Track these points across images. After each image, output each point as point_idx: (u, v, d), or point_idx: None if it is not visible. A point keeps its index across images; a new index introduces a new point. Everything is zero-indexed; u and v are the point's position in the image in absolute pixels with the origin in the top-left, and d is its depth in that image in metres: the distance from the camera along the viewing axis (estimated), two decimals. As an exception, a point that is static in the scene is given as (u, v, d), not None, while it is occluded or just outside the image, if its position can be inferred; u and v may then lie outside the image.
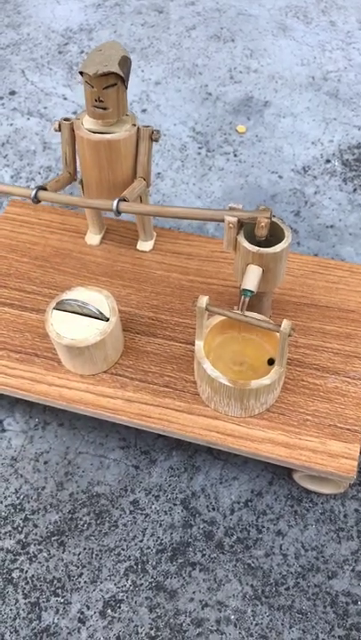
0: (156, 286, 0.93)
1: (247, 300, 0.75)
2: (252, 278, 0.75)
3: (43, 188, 0.79)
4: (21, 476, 0.88)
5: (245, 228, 0.75)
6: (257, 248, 0.74)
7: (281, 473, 0.87)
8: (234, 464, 0.88)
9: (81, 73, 0.75)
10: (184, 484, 0.87)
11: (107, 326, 0.80)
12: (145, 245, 0.98)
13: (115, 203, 0.76)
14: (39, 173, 1.24)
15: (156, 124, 1.31)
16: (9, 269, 0.96)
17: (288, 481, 0.87)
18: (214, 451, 0.90)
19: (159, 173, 1.23)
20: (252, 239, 0.75)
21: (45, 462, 0.89)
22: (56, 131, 0.83)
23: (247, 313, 0.76)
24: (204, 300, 0.72)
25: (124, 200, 0.77)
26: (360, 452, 0.78)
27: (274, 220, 0.76)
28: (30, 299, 0.93)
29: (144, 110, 1.34)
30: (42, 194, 0.78)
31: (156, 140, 0.82)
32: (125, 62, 0.76)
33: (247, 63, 1.43)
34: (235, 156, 1.25)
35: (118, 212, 0.77)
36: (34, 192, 0.78)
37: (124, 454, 0.90)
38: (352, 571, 0.80)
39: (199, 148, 1.27)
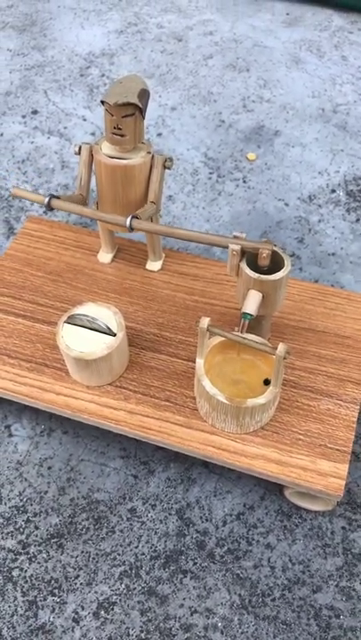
0: (162, 305, 0.98)
1: (247, 322, 0.80)
2: (252, 303, 0.80)
3: (56, 197, 0.84)
4: (26, 479, 0.93)
5: (248, 254, 0.80)
6: (258, 275, 0.79)
7: (273, 489, 0.91)
8: (228, 478, 0.93)
9: (102, 102, 0.80)
10: (180, 494, 0.91)
11: (114, 341, 0.85)
12: (154, 265, 1.03)
13: (128, 219, 0.81)
14: (56, 191, 1.30)
15: (170, 148, 1.37)
16: (24, 282, 1.01)
17: (279, 497, 0.91)
18: (210, 465, 0.94)
19: (170, 196, 1.28)
20: (254, 265, 0.80)
21: (49, 467, 0.94)
22: (76, 154, 0.89)
23: (246, 335, 0.80)
24: (205, 322, 0.77)
25: (137, 217, 0.83)
26: (348, 472, 0.83)
27: (275, 249, 0.81)
28: (42, 311, 0.98)
29: (159, 134, 1.40)
30: (55, 202, 0.84)
31: (169, 168, 0.88)
32: (144, 94, 0.82)
33: (260, 93, 1.49)
34: (244, 182, 1.31)
35: (131, 228, 0.82)
36: (47, 199, 0.83)
37: (124, 463, 0.94)
38: (336, 586, 0.84)
39: (210, 173, 1.32)
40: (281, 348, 0.74)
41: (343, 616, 0.81)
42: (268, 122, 1.43)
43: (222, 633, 0.80)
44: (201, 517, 0.89)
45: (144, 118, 0.83)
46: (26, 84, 1.53)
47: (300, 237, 1.21)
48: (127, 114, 0.80)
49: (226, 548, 0.87)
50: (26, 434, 0.97)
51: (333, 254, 1.19)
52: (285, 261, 0.80)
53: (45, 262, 1.04)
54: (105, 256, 1.04)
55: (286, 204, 1.26)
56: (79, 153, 0.88)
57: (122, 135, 0.82)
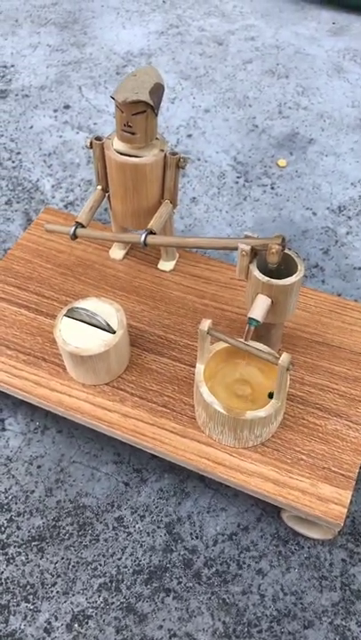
0: (170, 306, 0.94)
1: (252, 329, 0.75)
2: (259, 308, 0.75)
3: (80, 224, 0.86)
4: (13, 476, 0.89)
5: (260, 257, 0.75)
6: (267, 278, 0.73)
7: (271, 511, 0.85)
8: (224, 495, 0.87)
9: (112, 98, 0.77)
10: (171, 507, 0.86)
11: (112, 339, 0.81)
12: (166, 265, 0.98)
13: (143, 237, 0.80)
14: (79, 186, 1.27)
15: (199, 150, 1.33)
16: (32, 273, 0.98)
17: (277, 520, 0.84)
18: (206, 479, 0.88)
19: (194, 198, 1.24)
20: (266, 269, 0.75)
21: (39, 466, 0.90)
22: (88, 148, 0.85)
23: (250, 342, 0.75)
24: (206, 324, 0.72)
25: (152, 233, 0.81)
26: (351, 499, 0.76)
27: (289, 252, 0.75)
28: (47, 304, 0.94)
29: (189, 135, 1.37)
30: (80, 231, 0.85)
31: (183, 168, 0.83)
32: (157, 90, 0.77)
33: (298, 100, 1.44)
34: (272, 188, 1.25)
35: (145, 245, 0.79)
36: (72, 229, 0.85)
37: (116, 469, 0.89)
38: (330, 623, 0.77)
39: (237, 177, 1.28)
40: (284, 357, 0.68)
41: (335, 657, 0.74)
42: (303, 129, 1.37)
43: (201, 661, 0.74)
44: (191, 534, 0.84)
45: (156, 115, 0.79)
46: (61, 79, 1.52)
47: (326, 249, 1.15)
48: (137, 111, 0.76)
49: (214, 569, 0.81)
50: (19, 429, 0.94)
51: (360, 268, 1.12)
52: (298, 266, 0.75)
53: (56, 255, 1.01)
54: (117, 252, 1.00)
55: (314, 214, 1.21)
56: (90, 147, 0.85)
57: (132, 133, 0.78)
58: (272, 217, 1.20)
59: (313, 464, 0.78)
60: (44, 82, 1.51)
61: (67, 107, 1.45)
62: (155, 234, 0.82)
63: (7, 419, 0.95)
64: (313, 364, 0.87)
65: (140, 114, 0.76)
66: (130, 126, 0.77)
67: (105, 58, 1.58)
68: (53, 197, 1.25)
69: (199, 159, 1.32)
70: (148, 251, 1.01)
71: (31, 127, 1.40)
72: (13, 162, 1.33)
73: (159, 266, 0.99)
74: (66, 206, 1.24)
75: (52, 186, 1.27)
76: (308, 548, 0.82)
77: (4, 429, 0.94)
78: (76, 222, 0.86)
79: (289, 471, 0.77)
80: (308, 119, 1.40)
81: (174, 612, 0.78)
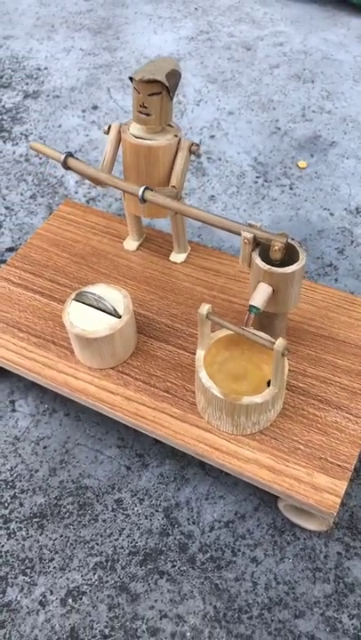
0: (178, 296, 0.95)
1: (252, 316, 0.76)
2: (260, 295, 0.76)
3: (74, 156, 0.84)
4: (20, 455, 0.92)
5: (263, 247, 0.76)
6: (268, 266, 0.74)
7: (269, 501, 0.85)
8: (223, 483, 0.88)
9: (130, 79, 0.80)
10: (170, 492, 0.87)
11: (117, 323, 0.83)
12: (178, 257, 1.00)
13: (141, 189, 0.80)
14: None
15: (221, 150, 1.35)
16: (48, 261, 1.02)
17: (274, 510, 0.84)
18: (207, 466, 0.89)
19: (213, 196, 1.26)
20: (269, 259, 0.76)
21: (45, 447, 0.92)
22: (105, 133, 0.88)
23: (247, 328, 0.76)
24: (205, 308, 0.73)
25: (151, 190, 0.80)
26: (348, 490, 0.76)
27: (292, 243, 0.76)
28: (60, 290, 0.97)
29: (212, 136, 1.39)
30: (71, 160, 0.84)
31: (195, 153, 0.86)
32: (174, 75, 0.80)
33: (322, 104, 1.45)
34: (290, 189, 1.26)
35: (143, 200, 0.80)
36: (63, 156, 0.83)
37: (119, 453, 0.91)
38: (321, 614, 0.76)
39: (257, 177, 1.29)
40: (279, 342, 0.69)
41: (324, 648, 0.74)
42: (325, 132, 1.38)
43: (189, 643, 0.75)
44: (188, 519, 0.84)
45: (172, 99, 0.81)
46: (91, 81, 1.56)
47: (341, 248, 1.15)
48: (153, 92, 0.79)
49: (209, 554, 0.81)
50: (28, 411, 0.96)
51: (374, 269, 1.12)
52: (300, 255, 0.76)
53: (72, 244, 1.04)
54: (131, 243, 1.02)
55: (331, 214, 1.21)
56: (108, 132, 0.88)
57: (147, 114, 0.81)
58: (289, 216, 1.21)
59: (310, 454, 0.78)
60: (75, 83, 1.56)
61: (95, 107, 1.49)
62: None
63: (18, 400, 0.98)
64: (317, 357, 0.87)
65: (155, 95, 0.79)
66: (145, 107, 0.80)
67: (135, 61, 1.62)
68: (76, 192, 1.29)
69: (220, 159, 1.34)
70: (161, 243, 1.03)
71: (60, 126, 1.45)
72: (40, 158, 1.37)
73: (171, 257, 1.01)
74: (87, 201, 1.27)
75: (76, 182, 1.31)
76: (305, 539, 0.82)
77: (14, 410, 0.97)
78: (68, 153, 0.85)
79: (286, 460, 0.78)
80: (332, 122, 1.40)
81: (166, 593, 0.79)
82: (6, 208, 1.27)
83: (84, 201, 1.27)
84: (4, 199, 1.28)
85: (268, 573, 0.80)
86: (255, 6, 1.79)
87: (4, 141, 1.41)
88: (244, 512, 0.85)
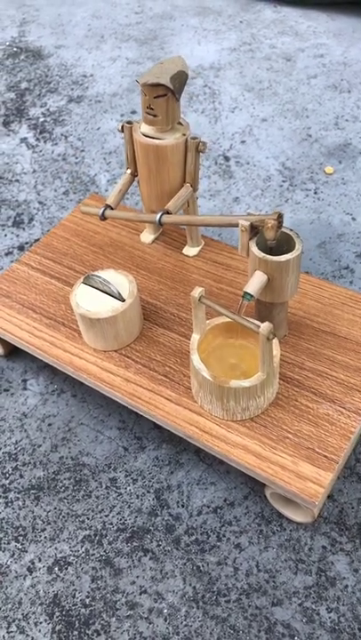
0: (187, 287, 0.98)
1: (245, 303, 0.78)
2: (254, 283, 0.77)
3: (109, 207, 0.93)
4: (25, 430, 0.96)
5: (261, 236, 0.78)
6: (263, 254, 0.76)
7: (259, 490, 0.86)
8: (216, 470, 0.89)
9: (137, 82, 0.83)
10: (163, 475, 0.89)
11: (120, 306, 0.86)
12: (191, 251, 1.03)
13: (158, 216, 0.86)
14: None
15: (250, 155, 1.38)
16: (67, 250, 1.06)
17: (263, 500, 0.85)
18: (201, 453, 0.90)
19: (237, 198, 1.28)
20: (268, 249, 0.77)
21: (49, 424, 0.96)
22: (119, 132, 0.92)
23: (234, 312, 0.77)
24: (197, 291, 0.75)
25: (167, 213, 0.86)
26: (340, 487, 0.75)
27: (289, 233, 0.78)
28: (76, 277, 1.02)
29: (243, 141, 1.42)
30: (108, 212, 0.93)
31: (202, 152, 0.88)
32: (180, 77, 0.83)
33: (356, 113, 1.46)
34: (315, 193, 1.27)
35: (160, 224, 0.85)
36: (101, 210, 0.92)
37: (119, 434, 0.94)
38: (300, 605, 0.76)
39: (283, 181, 1.31)
40: (265, 325, 0.71)
41: (298, 638, 0.73)
42: (356, 140, 1.38)
43: (165, 620, 0.76)
44: (178, 502, 0.86)
45: (178, 100, 0.84)
46: (133, 87, 1.62)
47: (360, 252, 1.15)
48: (159, 94, 0.82)
49: (194, 537, 0.82)
50: (38, 390, 1.01)
51: (392, 274, 1.11)
52: (296, 245, 0.77)
53: (92, 235, 1.08)
54: (147, 236, 1.06)
55: (353, 219, 1.21)
56: (122, 131, 0.92)
57: (154, 115, 0.84)
58: (310, 219, 1.22)
59: (298, 443, 0.78)
60: (117, 90, 1.62)
61: (133, 112, 1.55)
62: (170, 214, 0.87)
63: (29, 380, 1.02)
64: (316, 351, 0.88)
65: (161, 97, 0.82)
66: (152, 108, 0.84)
67: (176, 70, 1.67)
68: (107, 190, 1.34)
69: (248, 163, 1.36)
70: (176, 237, 1.06)
71: (98, 128, 1.51)
72: (77, 158, 1.43)
73: (184, 251, 1.03)
74: (116, 199, 1.32)
75: (108, 180, 1.36)
76: (291, 531, 0.82)
77: (25, 389, 1.01)
78: (106, 204, 0.93)
79: (273, 447, 0.78)
80: (364, 131, 1.41)
81: (149, 571, 0.80)
82: (40, 202, 1.33)
83: (113, 198, 1.32)
84: (39, 194, 1.35)
85: (251, 560, 0.80)
86: (300, 20, 1.82)
87: (45, 141, 1.48)
88: (234, 499, 0.85)
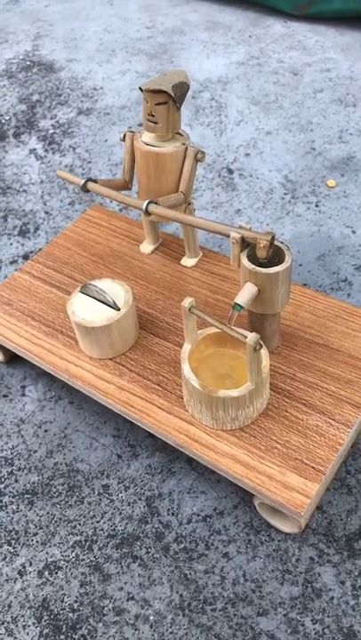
0: (183, 298, 0.99)
1: (235, 313, 0.79)
2: (244, 294, 0.78)
3: (93, 180, 0.90)
4: (22, 436, 0.97)
5: (252, 248, 0.79)
6: (253, 266, 0.77)
7: (249, 500, 0.86)
8: (207, 479, 0.89)
9: (140, 89, 0.86)
10: (155, 483, 0.90)
11: (115, 315, 0.88)
12: (188, 262, 1.04)
13: (145, 203, 0.85)
14: (137, 193, 1.37)
15: (254, 167, 1.39)
16: (68, 259, 1.08)
17: (253, 510, 0.85)
18: (193, 462, 0.91)
19: (239, 210, 1.30)
20: (259, 260, 0.78)
21: (46, 430, 0.98)
22: (121, 140, 0.95)
23: (223, 322, 0.78)
24: (187, 301, 0.77)
25: (155, 203, 0.86)
26: (330, 499, 0.76)
27: (280, 245, 0.79)
28: (75, 286, 1.04)
29: (247, 154, 1.43)
30: (90, 184, 0.90)
31: (201, 161, 0.90)
32: (181, 87, 0.85)
33: (361, 127, 1.47)
34: (316, 206, 1.28)
35: (147, 213, 0.85)
36: (83, 181, 0.90)
37: (113, 442, 0.95)
38: (285, 615, 0.76)
39: (285, 194, 1.32)
40: (251, 336, 0.72)
41: (282, 648, 0.74)
42: (359, 154, 1.39)
43: (151, 627, 0.77)
44: (168, 510, 0.87)
45: (178, 109, 0.86)
46: (141, 100, 1.65)
47: (359, 265, 1.15)
48: (160, 102, 0.84)
49: (183, 545, 0.83)
50: (36, 397, 1.02)
51: (390, 287, 1.11)
52: (286, 257, 0.78)
53: (93, 245, 1.10)
54: (147, 247, 1.08)
55: (353, 232, 1.22)
56: (124, 140, 0.94)
57: (155, 122, 0.86)
58: (310, 232, 1.23)
59: (286, 454, 0.79)
60: (125, 102, 1.65)
61: (140, 124, 1.57)
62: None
63: (28, 386, 1.04)
64: (308, 363, 0.88)
65: (162, 104, 0.84)
66: (153, 115, 0.86)
67: (184, 84, 1.69)
68: (111, 202, 1.36)
69: (251, 175, 1.38)
70: (175, 248, 1.08)
71: (105, 140, 1.54)
72: (84, 169, 1.46)
73: (182, 262, 1.05)
74: (120, 210, 1.34)
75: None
76: (279, 541, 0.82)
77: (23, 395, 1.03)
78: (88, 178, 0.91)
79: (261, 457, 0.79)
80: (368, 145, 1.42)
81: (137, 577, 0.81)
82: (45, 212, 1.36)
83: (117, 209, 1.34)
84: (45, 204, 1.38)
85: (238, 570, 0.80)
86: (308, 34, 1.84)
87: (53, 152, 1.51)
88: (223, 509, 0.86)
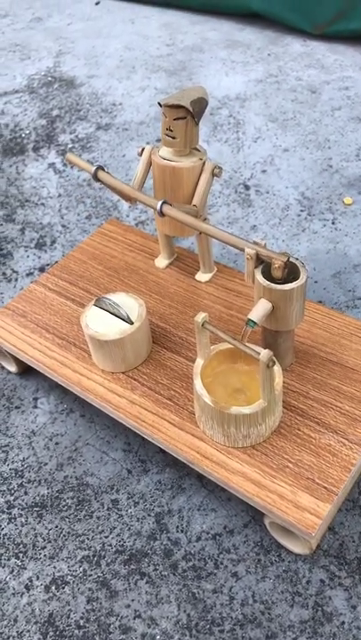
0: (197, 312, 0.98)
1: (249, 330, 0.78)
2: (258, 310, 0.78)
3: (104, 169, 0.91)
4: (33, 448, 0.97)
5: (267, 264, 0.79)
6: (267, 282, 0.77)
7: (259, 519, 0.85)
8: (218, 497, 0.88)
9: (159, 104, 0.86)
10: (165, 499, 0.89)
11: (128, 329, 0.88)
12: (203, 277, 1.04)
13: (159, 203, 0.85)
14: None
15: (270, 184, 1.39)
16: (84, 272, 1.09)
17: (263, 529, 0.84)
18: (204, 479, 0.90)
19: (254, 226, 1.30)
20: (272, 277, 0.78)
21: (57, 443, 0.97)
22: (139, 155, 0.95)
23: (236, 338, 0.78)
24: (201, 317, 0.77)
25: (169, 205, 0.86)
26: (342, 520, 0.74)
27: (295, 262, 0.78)
28: (90, 299, 1.04)
29: (264, 171, 1.43)
30: (101, 173, 0.91)
31: (217, 176, 0.90)
32: (200, 102, 0.86)
33: (378, 145, 1.46)
34: (332, 223, 1.28)
35: (162, 213, 0.85)
36: (94, 169, 0.90)
37: (123, 456, 0.94)
38: (294, 639, 0.74)
39: (301, 210, 1.32)
40: (265, 353, 0.71)
41: (291, 673, 0.72)
42: (377, 172, 1.39)
43: (158, 646, 0.76)
44: (177, 527, 0.86)
45: (197, 124, 0.87)
46: (159, 116, 1.66)
47: (375, 283, 1.15)
48: (178, 117, 0.85)
49: (191, 563, 0.82)
50: (48, 409, 1.02)
51: None
52: (301, 274, 0.77)
53: (108, 259, 1.11)
54: (161, 261, 1.08)
55: (370, 250, 1.21)
56: (141, 154, 0.94)
57: (173, 137, 0.87)
58: (326, 249, 1.22)
59: (298, 473, 0.78)
60: (144, 118, 1.67)
61: (158, 140, 1.58)
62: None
63: (40, 398, 1.04)
64: (322, 381, 0.87)
65: (180, 119, 0.85)
66: (171, 130, 0.86)
67: (203, 101, 1.71)
68: (128, 216, 1.37)
69: (268, 192, 1.38)
70: (190, 263, 1.08)
71: (123, 155, 1.55)
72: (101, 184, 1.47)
73: (196, 276, 1.05)
74: (137, 224, 1.35)
75: (129, 206, 1.40)
76: (289, 562, 0.81)
77: (35, 407, 1.03)
78: (99, 165, 0.91)
79: (273, 476, 0.78)
80: (385, 163, 1.41)
81: (144, 595, 0.80)
82: (63, 226, 1.37)
83: (134, 223, 1.35)
84: (62, 218, 1.39)
85: (247, 590, 0.79)
86: (327, 53, 1.85)
87: (72, 167, 1.53)
88: (233, 527, 0.85)
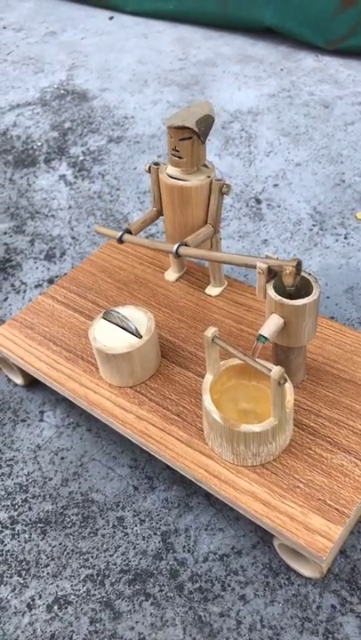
0: (207, 327, 0.97)
1: (259, 345, 0.77)
2: (269, 326, 0.76)
3: (129, 231, 0.92)
4: (38, 462, 0.96)
5: (278, 279, 0.77)
6: (279, 297, 0.75)
7: (268, 540, 0.83)
8: (226, 516, 0.86)
9: (164, 123, 0.85)
10: (171, 518, 0.87)
11: (136, 342, 0.86)
12: (213, 291, 1.03)
13: (175, 247, 0.85)
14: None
15: (282, 198, 1.38)
16: (93, 285, 1.08)
17: (272, 551, 0.82)
18: (211, 497, 0.88)
19: (266, 240, 1.28)
20: (286, 293, 0.77)
21: (62, 458, 0.96)
22: (146, 172, 0.94)
23: (247, 354, 0.76)
24: (211, 331, 0.75)
25: (185, 245, 0.86)
26: (354, 543, 0.72)
27: (305, 275, 0.77)
28: (99, 311, 1.03)
29: (276, 185, 1.42)
30: (126, 236, 0.92)
31: (226, 194, 0.89)
32: (206, 120, 0.85)
33: (392, 160, 1.45)
34: (345, 238, 1.26)
35: (178, 255, 0.85)
36: (120, 234, 0.91)
37: (130, 473, 0.93)
38: (303, 667, 0.72)
39: (313, 225, 1.30)
40: (276, 370, 0.69)
41: None
42: (390, 187, 1.38)
43: (162, 671, 0.73)
44: (184, 547, 0.84)
45: (203, 143, 0.86)
46: (171, 130, 1.66)
47: (388, 300, 1.13)
48: (184, 137, 0.84)
49: (198, 585, 0.80)
50: (54, 423, 1.01)
51: None
52: (314, 289, 0.76)
53: (118, 271, 1.10)
54: (171, 275, 1.07)
55: (383, 266, 1.19)
56: (149, 172, 0.94)
57: (180, 157, 0.86)
58: (339, 264, 1.21)
59: (309, 493, 0.76)
60: (156, 132, 1.66)
61: (170, 153, 1.58)
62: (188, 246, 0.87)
63: (47, 412, 1.03)
64: (334, 399, 0.85)
65: (186, 139, 0.84)
66: (177, 150, 0.85)
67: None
68: (138, 228, 1.36)
69: (280, 206, 1.36)
70: (200, 276, 1.06)
71: (135, 168, 1.55)
72: (112, 196, 1.47)
73: (206, 290, 1.03)
74: (147, 237, 1.34)
75: (140, 219, 1.39)
76: (299, 585, 0.78)
77: (41, 420, 1.01)
78: (126, 228, 0.93)
79: (283, 496, 0.76)
80: None
81: (149, 617, 0.78)
82: (72, 238, 1.36)
83: (144, 236, 1.34)
84: (72, 230, 1.38)
85: (255, 614, 0.77)
86: (340, 68, 1.84)
87: (83, 179, 1.53)
88: (241, 548, 0.83)
